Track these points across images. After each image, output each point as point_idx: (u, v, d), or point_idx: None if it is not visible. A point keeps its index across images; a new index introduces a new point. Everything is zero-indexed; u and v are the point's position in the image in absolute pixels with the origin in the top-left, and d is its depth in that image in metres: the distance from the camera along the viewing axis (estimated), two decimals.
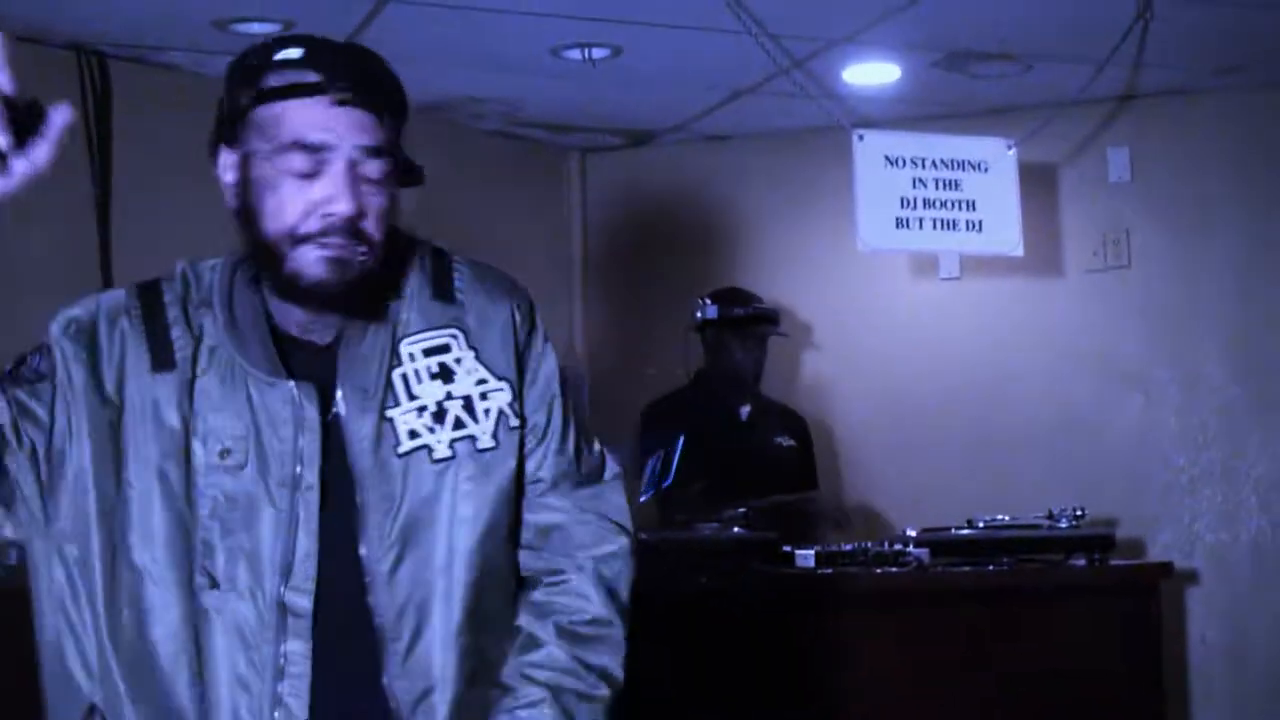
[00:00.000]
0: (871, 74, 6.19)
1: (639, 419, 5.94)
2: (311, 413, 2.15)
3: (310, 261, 2.13)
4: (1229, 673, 6.27)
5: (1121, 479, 6.39)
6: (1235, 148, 6.44)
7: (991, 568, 5.13)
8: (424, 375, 2.20)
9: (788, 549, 5.01)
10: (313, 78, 2.12)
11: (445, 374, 2.21)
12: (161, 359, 2.19)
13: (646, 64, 6.08)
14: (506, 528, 2.25)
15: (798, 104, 6.00)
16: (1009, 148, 5.77)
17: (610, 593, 2.29)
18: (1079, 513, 5.30)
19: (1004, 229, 5.71)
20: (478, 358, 2.23)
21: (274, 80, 2.14)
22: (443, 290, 2.27)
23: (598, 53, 5.89)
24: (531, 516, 2.30)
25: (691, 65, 6.12)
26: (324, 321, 2.21)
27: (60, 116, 1.98)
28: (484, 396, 2.22)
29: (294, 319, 2.21)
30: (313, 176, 2.12)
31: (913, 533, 5.22)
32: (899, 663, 4.92)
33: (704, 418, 5.84)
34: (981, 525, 5.31)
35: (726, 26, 5.39)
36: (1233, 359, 6.37)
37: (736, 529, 5.04)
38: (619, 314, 7.33)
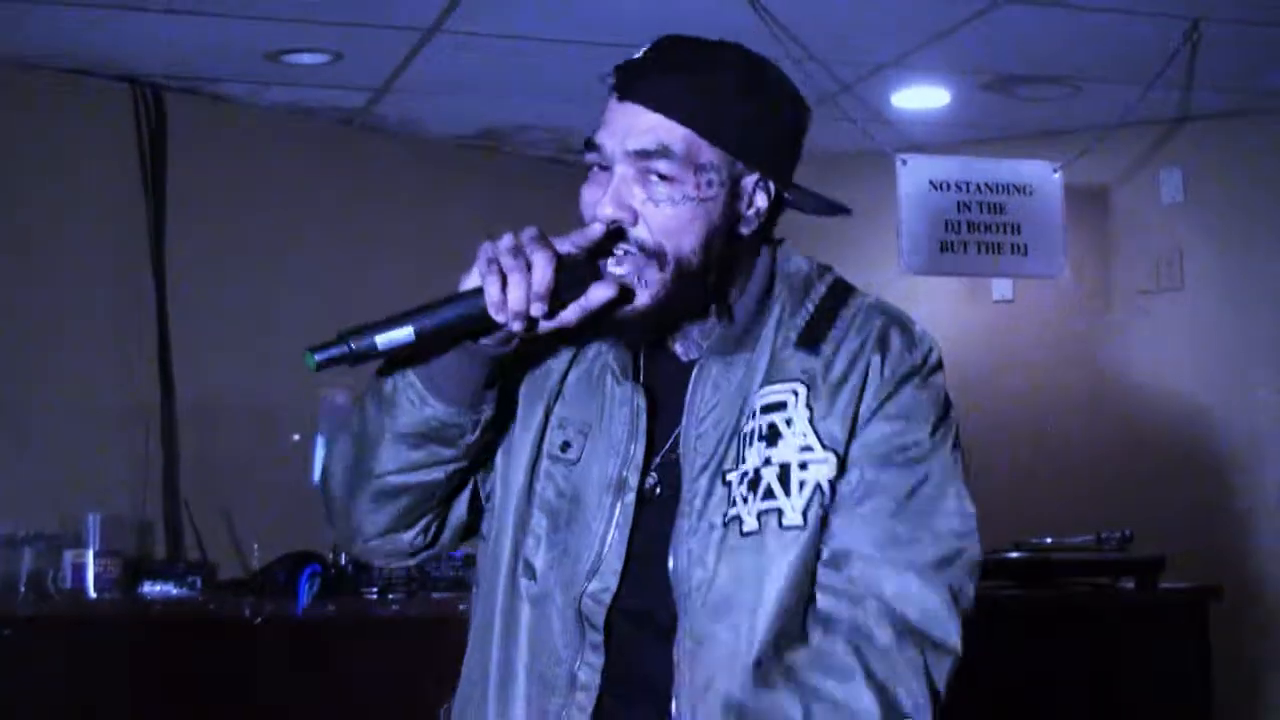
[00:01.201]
0: (920, 98, 6.20)
1: None
2: (643, 420, 2.06)
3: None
4: None
5: (1175, 502, 6.34)
6: None
7: (1038, 591, 5.10)
8: (755, 437, 2.03)
9: None
10: (620, 78, 2.04)
11: (772, 436, 2.02)
12: (545, 343, 2.08)
13: None
14: (803, 610, 2.05)
15: (846, 127, 6.01)
16: (1054, 171, 5.76)
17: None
18: (1126, 536, 5.27)
19: (1049, 252, 5.71)
20: (811, 420, 2.03)
21: (611, 80, 2.07)
22: (812, 336, 2.08)
23: None
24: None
25: None
26: (685, 335, 2.11)
27: (601, 292, 1.96)
28: (803, 466, 2.01)
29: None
30: (603, 179, 2.03)
31: None
32: None
33: None
34: (1029, 548, 5.30)
35: (774, 52, 5.41)
36: None
37: None
38: None
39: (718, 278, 2.08)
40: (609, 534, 2.04)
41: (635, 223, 2.00)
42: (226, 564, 5.51)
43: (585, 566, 2.04)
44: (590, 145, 2.05)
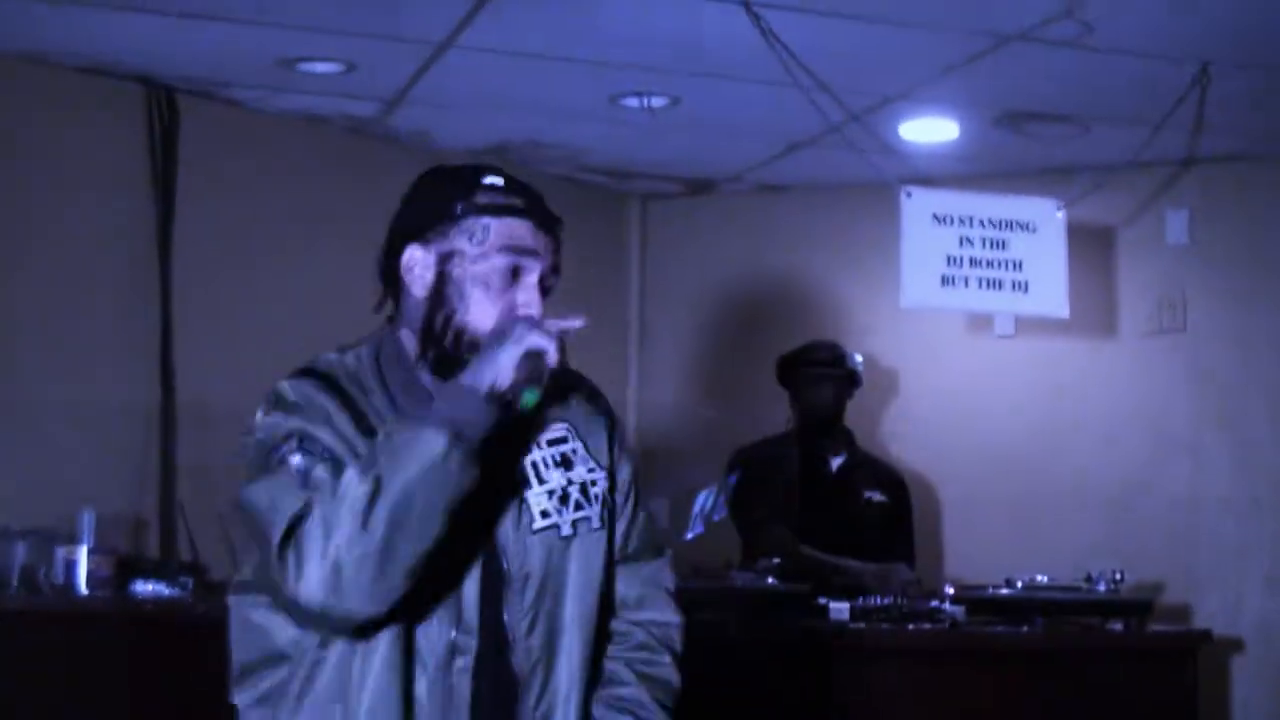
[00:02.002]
0: (930, 130, 6.22)
1: (728, 461, 5.93)
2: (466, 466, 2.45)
3: None
4: None
5: (1169, 544, 6.36)
6: None
7: (1026, 629, 5.11)
8: (550, 463, 2.60)
9: (822, 601, 5.02)
10: (519, 203, 2.53)
11: (566, 462, 2.62)
12: (365, 428, 2.48)
13: (705, 114, 6.14)
14: (607, 595, 2.68)
15: (855, 157, 6.03)
16: (1058, 209, 5.76)
17: (673, 653, 2.76)
18: (1117, 576, 5.27)
19: (1050, 290, 5.70)
20: (586, 449, 2.65)
21: (485, 198, 2.52)
22: (552, 390, 2.56)
23: (657, 101, 5.96)
24: (616, 585, 2.73)
25: (750, 117, 6.18)
26: None
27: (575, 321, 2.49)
28: (593, 484, 2.63)
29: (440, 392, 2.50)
30: (513, 283, 2.51)
31: (950, 590, 5.22)
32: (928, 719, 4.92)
33: (790, 466, 5.86)
34: (1019, 585, 5.30)
35: (784, 80, 5.43)
36: None
37: (770, 579, 5.05)
38: (674, 355, 7.38)
39: None
40: (463, 580, 2.51)
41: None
42: (218, 566, 5.53)
43: (451, 611, 2.49)
44: (517, 251, 2.52)
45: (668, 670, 2.74)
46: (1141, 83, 5.60)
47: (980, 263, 5.65)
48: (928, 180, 6.22)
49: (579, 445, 2.65)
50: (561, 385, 2.64)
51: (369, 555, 2.28)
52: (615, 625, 2.72)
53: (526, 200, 2.55)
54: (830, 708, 4.83)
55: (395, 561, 2.30)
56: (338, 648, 2.45)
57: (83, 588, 4.94)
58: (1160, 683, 5.25)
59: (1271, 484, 6.31)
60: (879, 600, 5.10)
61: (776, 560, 5.12)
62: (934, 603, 5.11)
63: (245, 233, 6.13)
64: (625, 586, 2.74)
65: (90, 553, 4.99)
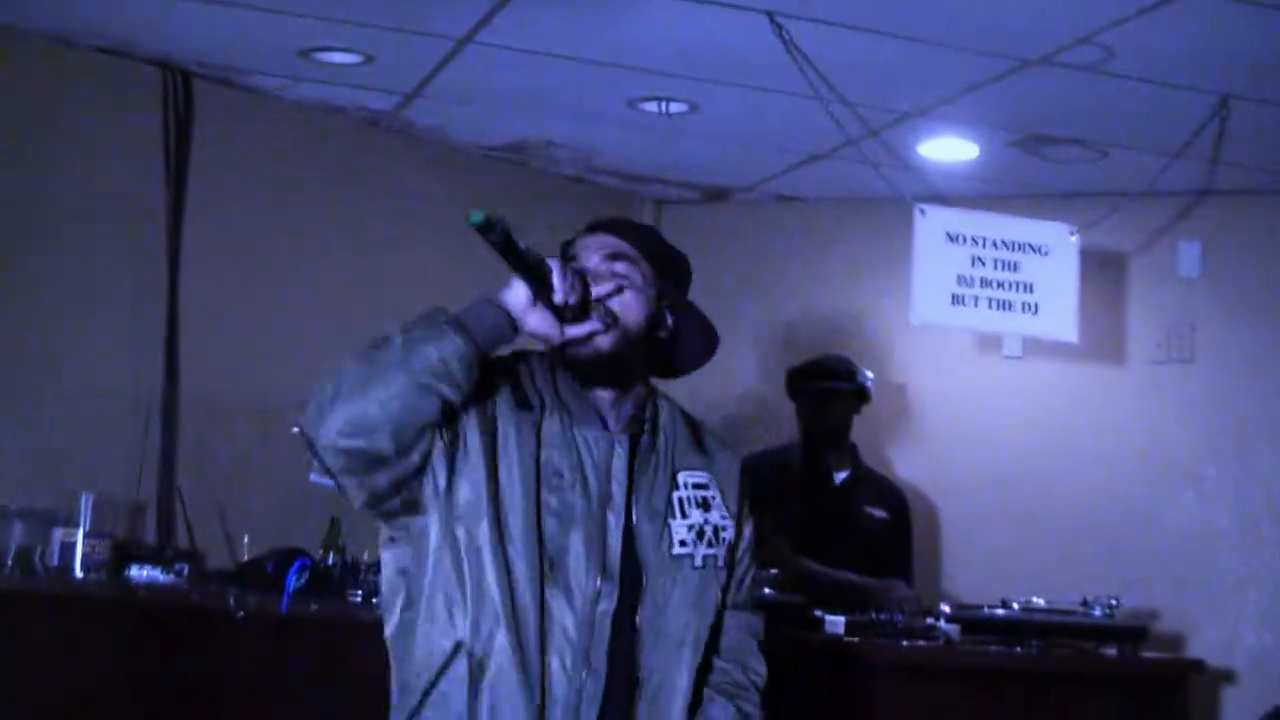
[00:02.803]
0: (948, 149, 6.21)
1: None
2: (622, 454, 2.91)
3: None
4: None
5: (1168, 572, 6.34)
6: None
7: (1020, 650, 5.10)
8: (692, 502, 3.00)
9: (818, 614, 5.01)
10: (584, 230, 3.03)
11: (705, 505, 3.01)
12: (522, 402, 2.86)
13: (723, 122, 6.13)
14: (715, 628, 3.02)
15: (871, 172, 6.02)
16: (1071, 233, 5.76)
17: (759, 692, 3.08)
18: (1113, 602, 5.27)
19: (1060, 314, 5.70)
20: (722, 498, 3.05)
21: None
22: (699, 442, 3.10)
23: (675, 107, 5.95)
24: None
25: (768, 127, 6.17)
26: (614, 403, 2.97)
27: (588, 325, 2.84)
28: (723, 529, 3.02)
29: (598, 400, 2.95)
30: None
31: (946, 608, 5.21)
32: None
33: (793, 478, 5.86)
34: (1016, 607, 5.30)
35: (804, 92, 5.42)
36: None
37: (768, 591, 5.04)
38: None
39: (642, 365, 3.03)
40: (606, 536, 2.85)
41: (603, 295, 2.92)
42: (215, 554, 5.52)
43: (595, 564, 2.82)
44: (568, 259, 2.92)
45: (751, 706, 3.06)
46: (1161, 111, 5.59)
47: (991, 283, 5.65)
48: (943, 199, 6.22)
49: (717, 494, 3.03)
50: (700, 436, 3.10)
51: (346, 379, 2.62)
52: (715, 661, 3.03)
53: (595, 223, 3.03)
54: None
55: (357, 386, 2.60)
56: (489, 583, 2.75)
57: (78, 571, 4.92)
58: (1151, 710, 5.25)
59: (1274, 517, 6.29)
60: (875, 615, 5.10)
61: (774, 571, 5.11)
62: (930, 620, 5.11)
63: (257, 220, 6.12)
64: (728, 630, 3.07)
65: (87, 536, 4.98)
